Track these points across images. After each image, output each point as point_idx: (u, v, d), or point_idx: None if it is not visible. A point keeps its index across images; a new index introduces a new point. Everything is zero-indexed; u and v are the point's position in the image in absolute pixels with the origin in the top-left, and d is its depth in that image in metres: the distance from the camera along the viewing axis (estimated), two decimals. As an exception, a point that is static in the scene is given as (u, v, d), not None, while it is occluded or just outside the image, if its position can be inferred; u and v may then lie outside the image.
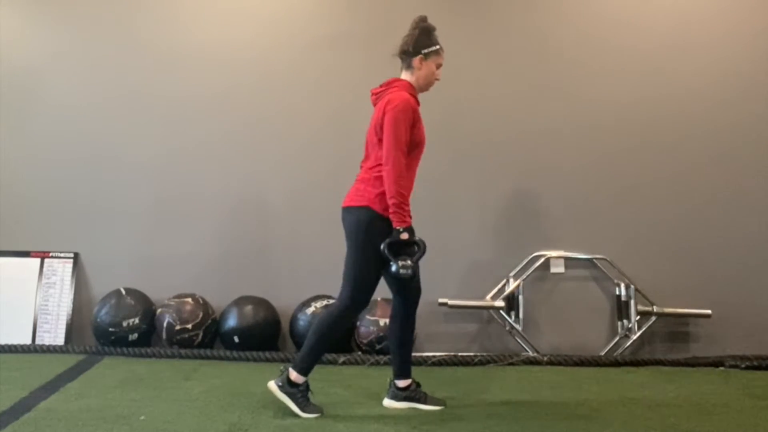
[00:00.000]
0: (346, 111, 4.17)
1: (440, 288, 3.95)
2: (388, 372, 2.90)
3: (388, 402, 2.84)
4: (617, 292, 4.01)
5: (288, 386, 2.67)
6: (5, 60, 4.28)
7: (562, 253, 4.05)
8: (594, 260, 4.04)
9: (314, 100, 4.22)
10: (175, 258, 4.14)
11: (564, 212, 4.11)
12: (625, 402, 2.96)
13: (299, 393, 2.67)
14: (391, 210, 2.61)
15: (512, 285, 3.98)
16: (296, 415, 2.64)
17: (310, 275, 4.06)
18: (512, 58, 4.22)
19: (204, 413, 2.69)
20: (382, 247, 2.60)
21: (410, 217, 2.66)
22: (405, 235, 2.59)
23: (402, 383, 2.83)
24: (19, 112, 4.26)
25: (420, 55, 2.77)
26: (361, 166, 2.83)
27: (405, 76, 2.82)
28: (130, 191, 4.21)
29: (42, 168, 4.23)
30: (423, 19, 2.83)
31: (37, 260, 4.15)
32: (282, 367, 2.75)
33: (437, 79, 2.85)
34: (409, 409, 2.80)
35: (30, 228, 4.18)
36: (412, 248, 2.61)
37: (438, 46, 2.81)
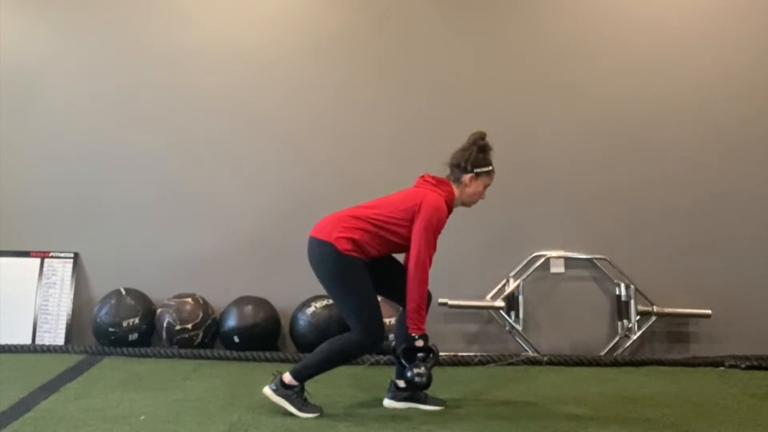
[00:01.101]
0: (347, 110, 4.17)
1: (440, 288, 3.93)
2: (388, 372, 2.91)
3: (388, 402, 2.84)
4: (617, 292, 4.01)
5: (282, 389, 2.67)
6: (5, 59, 4.28)
7: (562, 253, 4.05)
8: (594, 260, 4.04)
9: (315, 99, 4.22)
10: (175, 258, 4.14)
11: (564, 212, 4.11)
12: (625, 402, 2.96)
13: (294, 394, 2.67)
14: (408, 315, 2.62)
15: (512, 285, 3.98)
16: (295, 416, 2.64)
17: (310, 275, 3.97)
18: (512, 57, 4.21)
19: (204, 413, 2.69)
20: (397, 352, 2.66)
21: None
22: (420, 343, 2.62)
23: (403, 383, 2.83)
24: (19, 111, 4.26)
25: (472, 174, 2.76)
26: (355, 212, 2.75)
27: (453, 184, 2.80)
28: (131, 191, 4.20)
29: (42, 167, 4.23)
30: (482, 137, 2.81)
31: (37, 260, 4.15)
32: (275, 372, 2.74)
33: (482, 198, 2.84)
34: (409, 409, 2.80)
35: (30, 228, 4.18)
36: (427, 354, 2.64)
37: (491, 167, 2.79)
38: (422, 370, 2.59)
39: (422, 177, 2.84)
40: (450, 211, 2.77)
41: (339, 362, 2.73)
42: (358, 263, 2.65)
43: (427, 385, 2.62)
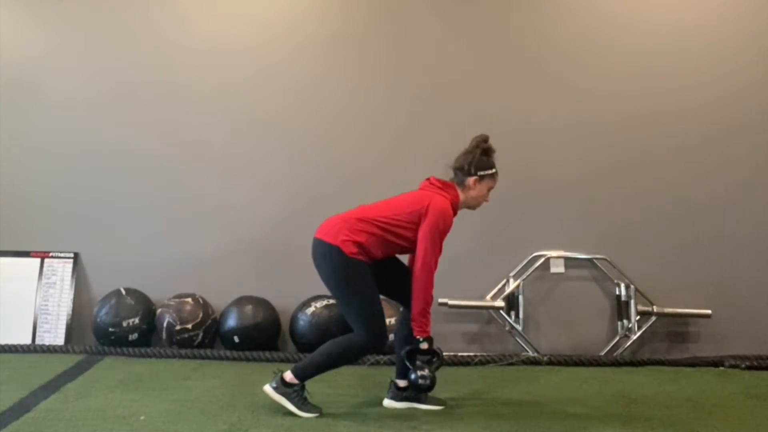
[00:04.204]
0: (347, 109, 4.17)
1: (440, 288, 3.91)
2: (389, 372, 2.91)
3: (388, 402, 2.85)
4: (617, 292, 4.01)
5: (283, 387, 2.68)
6: (5, 59, 4.28)
7: (562, 253, 4.05)
8: (594, 260, 4.04)
9: (315, 99, 4.21)
10: (175, 258, 4.14)
11: (564, 212, 4.11)
12: (625, 402, 2.96)
13: (294, 393, 2.68)
14: (413, 317, 2.64)
15: (512, 285, 3.98)
16: (295, 415, 2.64)
17: (310, 275, 3.98)
18: (512, 57, 4.21)
19: (204, 413, 2.69)
20: (402, 354, 2.67)
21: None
22: (425, 345, 2.64)
23: (403, 383, 2.84)
24: (19, 111, 4.25)
25: (476, 177, 2.77)
26: (355, 213, 2.76)
27: (456, 188, 2.81)
28: (131, 191, 4.20)
29: (42, 167, 4.23)
30: (485, 140, 2.82)
31: (37, 260, 4.15)
32: (276, 370, 2.75)
33: (486, 201, 2.86)
34: (409, 409, 2.81)
35: (30, 228, 4.18)
36: (431, 356, 2.66)
37: (494, 170, 2.81)
38: (426, 372, 2.61)
39: (428, 179, 2.84)
40: (455, 213, 2.78)
41: (341, 363, 2.74)
42: (362, 265, 2.65)
43: (430, 387, 2.65)
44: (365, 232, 2.66)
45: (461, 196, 2.79)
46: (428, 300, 2.65)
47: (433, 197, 2.71)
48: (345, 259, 2.63)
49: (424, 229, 2.66)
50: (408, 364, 2.64)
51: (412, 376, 2.62)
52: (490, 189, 2.83)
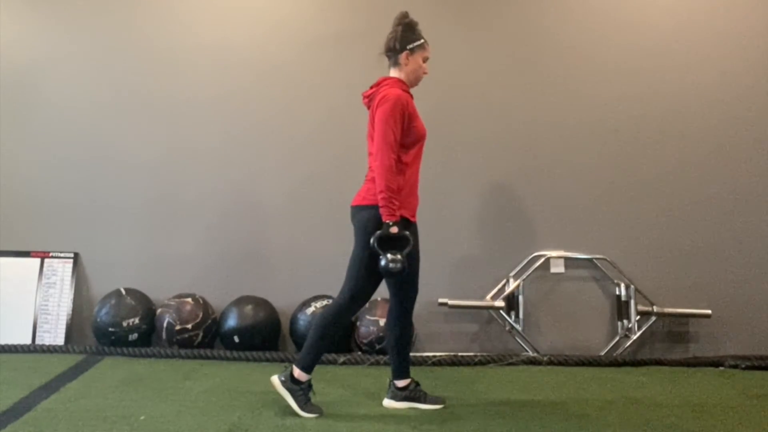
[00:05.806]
0: (346, 110, 4.17)
1: (440, 288, 3.96)
2: (388, 372, 2.90)
3: (388, 402, 2.85)
4: (617, 292, 4.01)
5: (290, 382, 2.69)
6: (5, 60, 4.28)
7: (562, 253, 4.05)
8: (594, 260, 4.04)
9: (314, 100, 4.22)
10: (175, 258, 4.14)
11: (564, 212, 4.11)
12: (625, 402, 2.96)
13: (300, 391, 2.69)
14: (380, 204, 2.62)
15: (512, 285, 3.98)
16: (296, 414, 2.65)
17: (310, 275, 4.06)
18: (512, 57, 4.21)
19: (204, 413, 2.69)
20: (371, 241, 2.61)
21: (399, 210, 2.64)
22: (395, 229, 2.59)
23: (401, 383, 2.84)
24: (19, 112, 4.26)
25: (406, 51, 2.80)
26: (369, 165, 2.82)
27: (393, 73, 2.84)
28: (130, 191, 4.21)
29: (42, 168, 4.23)
30: (405, 15, 2.85)
31: (37, 260, 4.15)
32: (286, 364, 2.76)
33: (425, 73, 2.87)
34: (409, 408, 2.81)
35: (30, 228, 4.19)
36: (402, 242, 2.62)
37: (423, 40, 2.83)
38: (398, 256, 2.57)
39: (363, 98, 2.87)
40: (408, 94, 2.79)
41: (329, 332, 2.71)
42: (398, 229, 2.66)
43: (402, 271, 2.58)
44: None
45: (401, 75, 2.81)
46: (389, 185, 2.60)
47: (379, 97, 2.72)
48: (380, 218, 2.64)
49: (377, 120, 2.67)
50: (378, 250, 2.59)
51: (383, 262, 2.56)
52: (425, 60, 2.85)
